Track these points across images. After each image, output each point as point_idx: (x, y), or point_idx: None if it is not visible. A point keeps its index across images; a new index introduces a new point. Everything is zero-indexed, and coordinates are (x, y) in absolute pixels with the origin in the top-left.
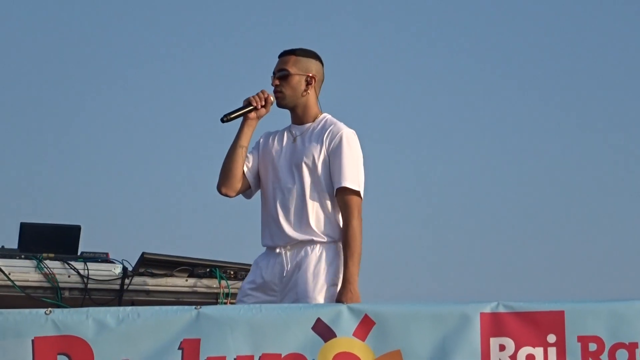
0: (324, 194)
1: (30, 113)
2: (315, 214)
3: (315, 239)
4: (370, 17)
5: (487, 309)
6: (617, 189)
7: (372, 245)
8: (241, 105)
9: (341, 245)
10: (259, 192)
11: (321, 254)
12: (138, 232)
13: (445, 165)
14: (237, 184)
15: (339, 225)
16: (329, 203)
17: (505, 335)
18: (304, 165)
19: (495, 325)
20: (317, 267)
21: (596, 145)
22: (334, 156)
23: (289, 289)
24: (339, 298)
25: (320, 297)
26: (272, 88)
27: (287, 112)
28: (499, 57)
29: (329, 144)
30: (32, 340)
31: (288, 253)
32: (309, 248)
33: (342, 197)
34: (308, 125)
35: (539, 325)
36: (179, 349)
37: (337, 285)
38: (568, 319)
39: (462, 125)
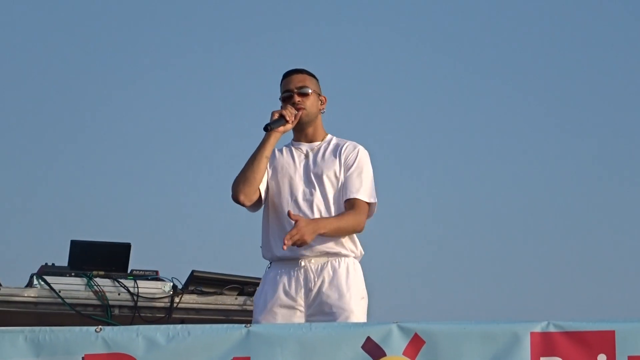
0: (342, 208)
1: (78, 131)
2: None
3: (342, 251)
4: (368, 20)
5: (538, 329)
6: None
7: (417, 263)
8: (270, 116)
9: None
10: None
11: (348, 267)
12: (188, 249)
13: (470, 177)
14: (255, 194)
15: (356, 240)
16: None
17: (556, 355)
18: (325, 178)
19: (545, 344)
20: (348, 281)
21: None
22: (351, 169)
23: (319, 302)
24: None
25: (357, 309)
26: (279, 105)
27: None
28: (498, 59)
29: (346, 158)
30: (83, 358)
31: (312, 266)
32: (334, 261)
33: (354, 204)
34: (318, 143)
35: (590, 345)
36: None
37: (365, 298)
38: (619, 339)
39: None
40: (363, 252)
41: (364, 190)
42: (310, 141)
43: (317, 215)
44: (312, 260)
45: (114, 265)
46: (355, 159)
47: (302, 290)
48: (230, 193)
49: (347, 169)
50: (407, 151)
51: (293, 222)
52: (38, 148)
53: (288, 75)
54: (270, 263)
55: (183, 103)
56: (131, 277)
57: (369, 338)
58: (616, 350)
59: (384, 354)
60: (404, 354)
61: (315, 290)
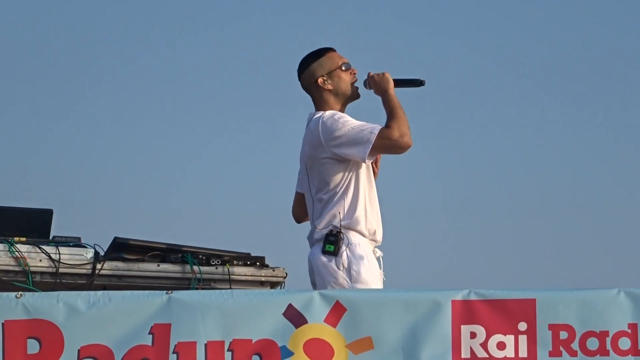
0: None
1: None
2: None
3: None
4: (368, 12)
5: (459, 296)
6: (594, 180)
7: None
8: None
9: None
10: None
11: None
12: (111, 216)
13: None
14: None
15: None
16: None
17: (477, 323)
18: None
19: (466, 312)
20: None
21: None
22: None
23: None
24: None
25: None
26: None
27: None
28: (502, 53)
29: None
30: (2, 324)
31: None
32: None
33: None
34: None
35: (510, 313)
36: (149, 333)
37: None
38: (539, 307)
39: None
40: None
41: None
42: None
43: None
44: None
45: (35, 231)
46: None
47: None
48: (405, 142)
49: None
50: None
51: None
52: None
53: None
54: (346, 238)
55: (112, 76)
56: (53, 244)
57: (290, 305)
58: (537, 319)
59: (306, 321)
60: (326, 321)
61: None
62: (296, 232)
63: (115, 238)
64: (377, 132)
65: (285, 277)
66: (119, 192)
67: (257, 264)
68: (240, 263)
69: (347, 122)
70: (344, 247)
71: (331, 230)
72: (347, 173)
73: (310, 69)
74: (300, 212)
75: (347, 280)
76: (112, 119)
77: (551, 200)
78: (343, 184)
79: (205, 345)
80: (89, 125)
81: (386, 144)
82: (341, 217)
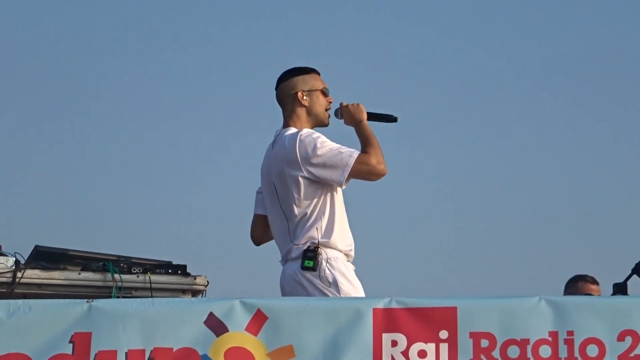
0: None
1: None
2: None
3: None
4: (369, 11)
5: (380, 305)
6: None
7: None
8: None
9: None
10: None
11: None
12: (32, 224)
13: None
14: None
15: None
16: None
17: (398, 331)
18: None
19: (387, 321)
20: None
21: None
22: None
23: None
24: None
25: None
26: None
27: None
28: (502, 53)
29: None
30: None
31: None
32: None
33: None
34: None
35: (431, 321)
36: (69, 342)
37: None
38: (460, 315)
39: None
40: None
41: None
42: None
43: None
44: None
45: None
46: None
47: None
48: (382, 170)
49: None
50: None
51: None
52: None
53: (319, 73)
54: (324, 254)
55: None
56: None
57: (211, 314)
58: (458, 326)
59: (227, 330)
60: (247, 329)
61: None
62: (218, 240)
63: (36, 246)
64: (355, 156)
65: (206, 286)
66: (41, 199)
67: (179, 272)
68: (161, 271)
69: (325, 143)
70: (323, 263)
71: (309, 247)
72: (323, 192)
73: (293, 81)
74: (261, 235)
75: (337, 294)
76: (30, 124)
77: (548, 202)
78: (319, 202)
79: (126, 353)
80: (6, 131)
81: (364, 169)
82: (320, 235)
